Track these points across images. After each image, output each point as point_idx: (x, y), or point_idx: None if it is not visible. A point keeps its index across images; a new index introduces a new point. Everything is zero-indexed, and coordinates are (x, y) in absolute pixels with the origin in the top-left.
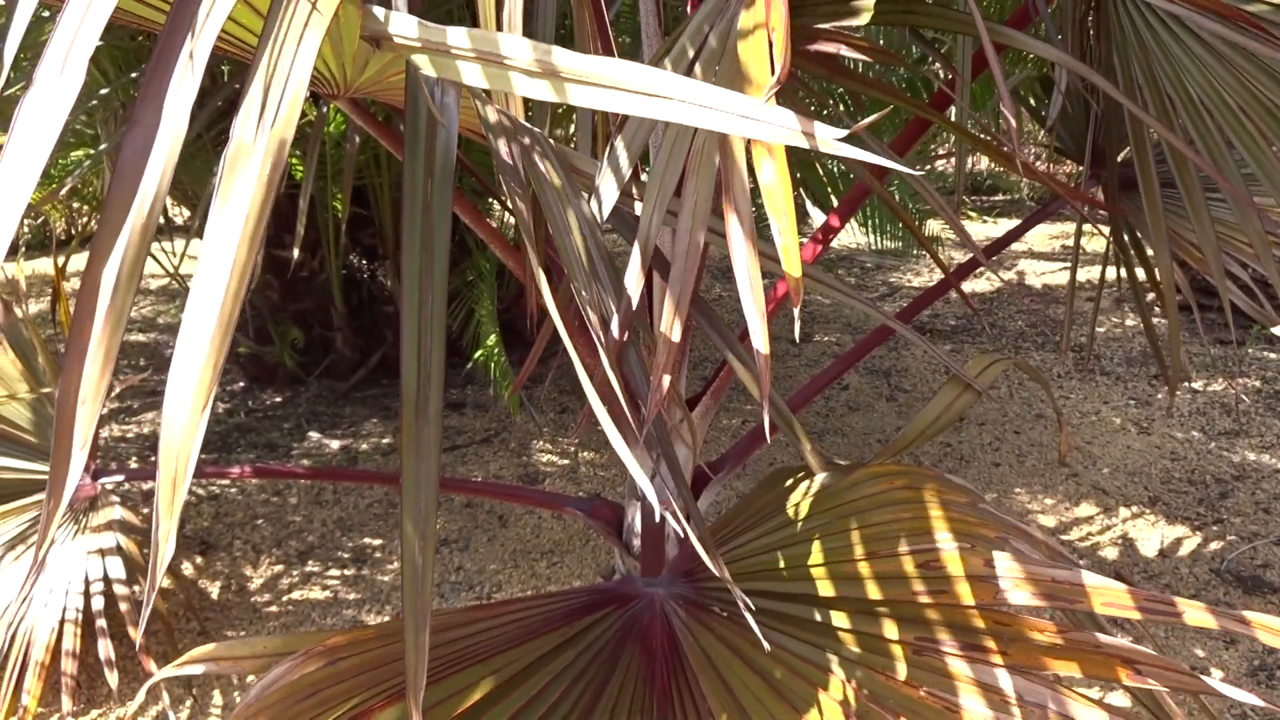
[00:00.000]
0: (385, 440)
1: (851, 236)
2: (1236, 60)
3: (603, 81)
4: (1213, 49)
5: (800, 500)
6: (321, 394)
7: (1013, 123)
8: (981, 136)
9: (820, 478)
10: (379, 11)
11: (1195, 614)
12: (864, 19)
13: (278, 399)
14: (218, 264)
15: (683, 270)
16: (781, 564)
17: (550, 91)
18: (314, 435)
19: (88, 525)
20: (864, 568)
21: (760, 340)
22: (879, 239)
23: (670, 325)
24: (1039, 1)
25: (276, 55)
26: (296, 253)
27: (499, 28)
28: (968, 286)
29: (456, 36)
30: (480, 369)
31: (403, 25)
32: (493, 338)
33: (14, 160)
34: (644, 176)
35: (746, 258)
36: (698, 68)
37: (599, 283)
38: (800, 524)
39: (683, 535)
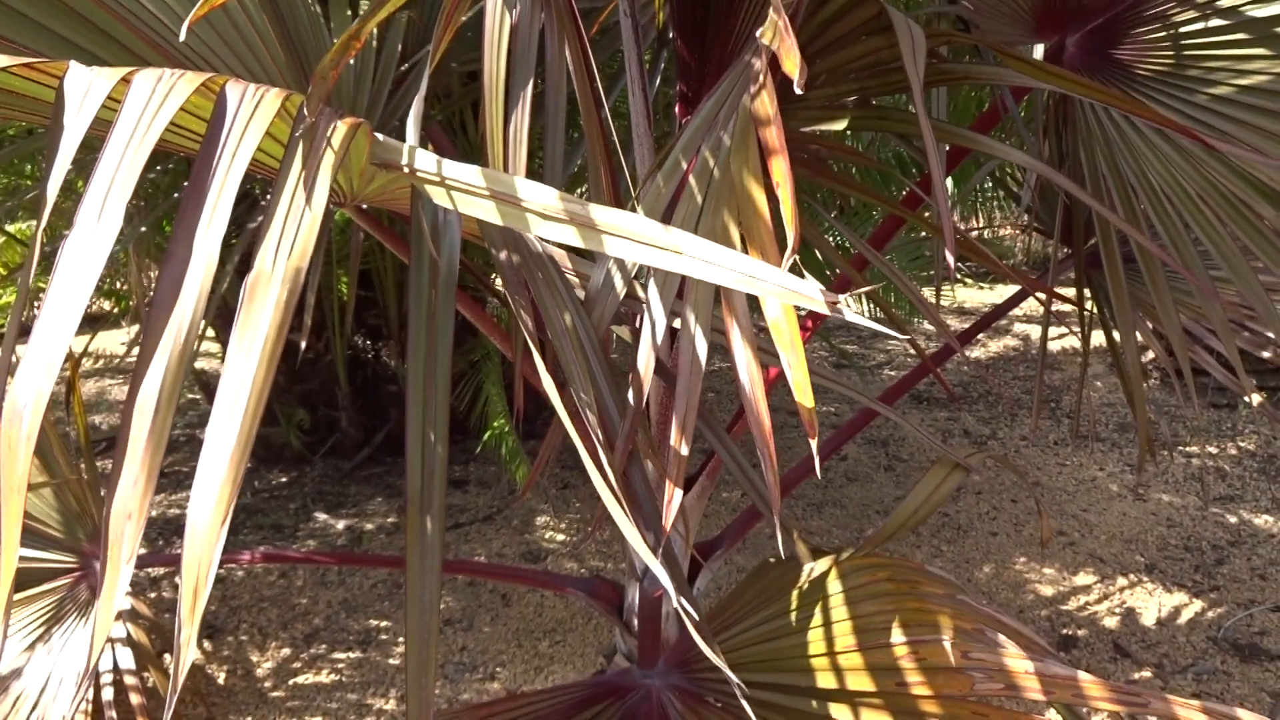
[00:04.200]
0: (390, 519)
1: (852, 301)
2: (1194, 151)
3: (618, 232)
4: (1172, 140)
5: (789, 592)
6: (327, 473)
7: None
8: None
9: (807, 569)
10: (393, 143)
11: (1159, 705)
12: (842, 124)
13: (284, 479)
14: (238, 385)
15: (687, 384)
16: (773, 655)
17: (572, 236)
18: (320, 516)
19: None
20: (851, 659)
21: (771, 474)
22: (876, 308)
23: (679, 440)
24: (1008, 100)
25: (293, 192)
26: (303, 344)
27: (505, 152)
28: (966, 353)
29: (471, 174)
30: (490, 450)
31: (421, 160)
32: (501, 418)
33: (54, 311)
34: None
35: (751, 382)
36: (692, 179)
37: (597, 388)
38: (790, 616)
39: (680, 621)
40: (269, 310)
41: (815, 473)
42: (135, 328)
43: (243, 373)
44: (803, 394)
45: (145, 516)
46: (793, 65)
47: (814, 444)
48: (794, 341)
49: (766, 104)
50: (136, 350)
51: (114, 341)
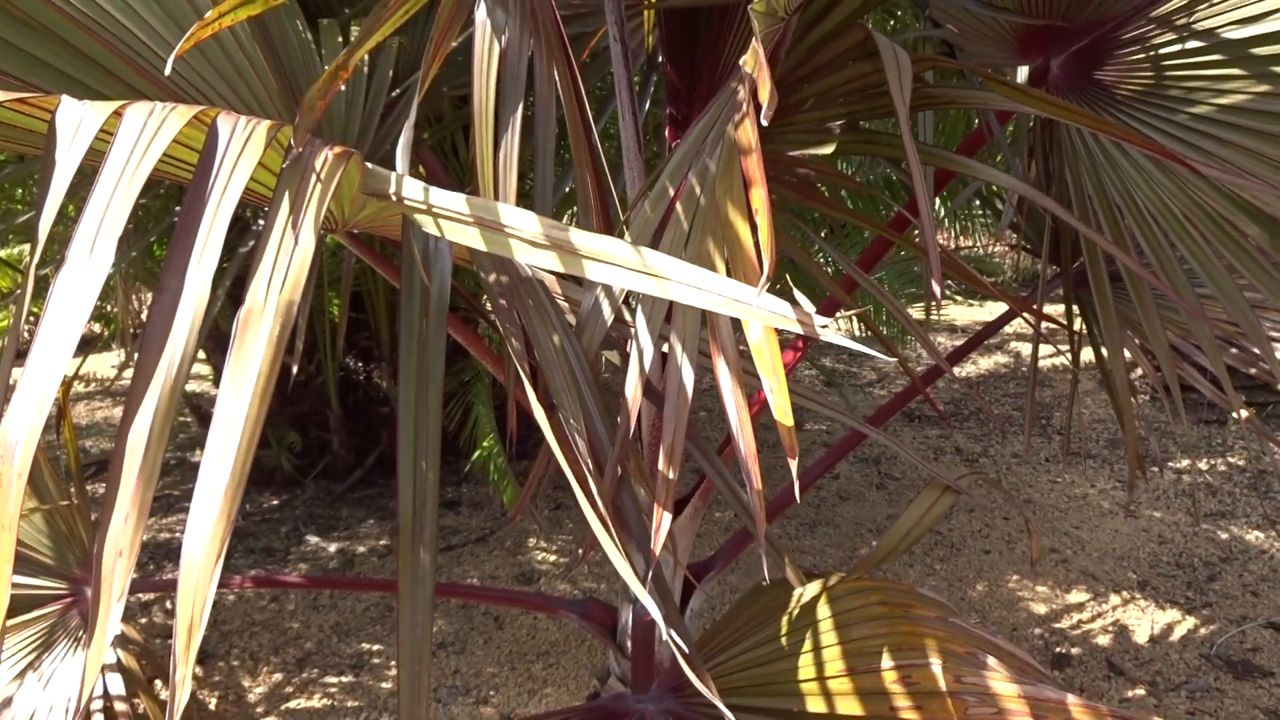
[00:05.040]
0: (382, 542)
1: (842, 324)
2: (1178, 170)
3: (601, 257)
4: (1156, 160)
5: (782, 616)
6: (318, 495)
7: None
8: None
9: (799, 592)
10: (383, 172)
11: None
12: (830, 148)
13: (274, 501)
14: (232, 421)
15: (675, 410)
16: (766, 680)
17: (555, 262)
18: (311, 539)
19: (87, 641)
20: (843, 684)
21: (757, 498)
22: (866, 328)
23: (668, 466)
24: (994, 123)
25: (284, 226)
26: (295, 368)
27: (495, 177)
28: (957, 371)
29: (457, 202)
30: (478, 469)
31: (409, 189)
32: (490, 438)
33: (46, 346)
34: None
35: (737, 407)
36: (679, 205)
37: (587, 413)
38: (783, 640)
39: (674, 648)
40: (261, 345)
41: (796, 498)
42: (126, 350)
43: (236, 409)
44: (783, 416)
45: (136, 553)
46: (764, 94)
47: (794, 467)
48: (775, 366)
49: (748, 133)
50: (127, 375)
51: (104, 364)
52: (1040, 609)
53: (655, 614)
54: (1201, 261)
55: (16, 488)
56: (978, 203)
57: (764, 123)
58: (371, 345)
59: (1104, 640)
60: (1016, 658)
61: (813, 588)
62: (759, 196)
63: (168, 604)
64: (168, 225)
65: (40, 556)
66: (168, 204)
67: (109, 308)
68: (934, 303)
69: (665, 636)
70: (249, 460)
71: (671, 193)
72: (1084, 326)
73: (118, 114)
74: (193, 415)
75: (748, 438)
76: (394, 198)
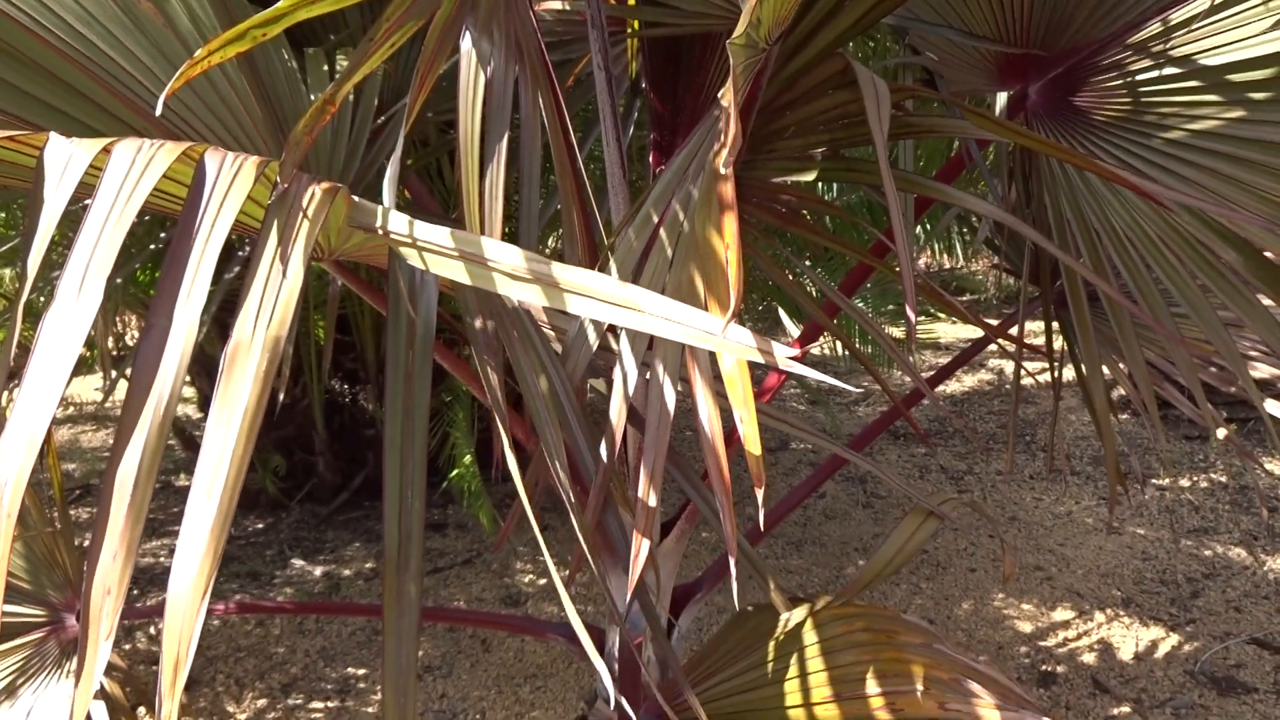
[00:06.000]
0: (368, 565)
1: (827, 343)
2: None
3: (582, 291)
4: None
5: (767, 641)
6: (304, 519)
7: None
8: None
9: (785, 618)
10: (369, 206)
11: None
12: (812, 175)
13: (259, 525)
14: (218, 458)
15: (655, 436)
16: (752, 706)
17: (537, 295)
18: (297, 562)
19: (70, 669)
20: (828, 710)
21: (730, 526)
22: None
23: (648, 492)
24: (973, 150)
25: (271, 261)
26: (281, 393)
27: (480, 206)
28: (941, 389)
29: (442, 236)
30: (456, 489)
31: (395, 223)
32: (468, 458)
33: (35, 386)
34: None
35: (712, 432)
36: (663, 232)
37: (572, 439)
38: (769, 666)
39: (661, 667)
40: (249, 381)
41: (761, 527)
42: (107, 374)
43: (223, 445)
44: (752, 445)
45: (125, 591)
46: (729, 137)
47: (760, 496)
48: (746, 396)
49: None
50: (111, 399)
51: (88, 387)
52: (1025, 627)
53: (643, 640)
54: (1177, 284)
55: (5, 527)
56: (958, 222)
57: (723, 170)
58: (357, 368)
59: (1089, 658)
60: (1000, 684)
61: (798, 613)
62: (730, 228)
63: (151, 629)
64: (152, 252)
65: (18, 582)
66: (152, 229)
67: (91, 332)
68: (912, 325)
69: (653, 653)
70: (235, 497)
71: (655, 220)
72: (1065, 345)
73: (106, 151)
74: (176, 439)
75: (722, 464)
76: (380, 231)
